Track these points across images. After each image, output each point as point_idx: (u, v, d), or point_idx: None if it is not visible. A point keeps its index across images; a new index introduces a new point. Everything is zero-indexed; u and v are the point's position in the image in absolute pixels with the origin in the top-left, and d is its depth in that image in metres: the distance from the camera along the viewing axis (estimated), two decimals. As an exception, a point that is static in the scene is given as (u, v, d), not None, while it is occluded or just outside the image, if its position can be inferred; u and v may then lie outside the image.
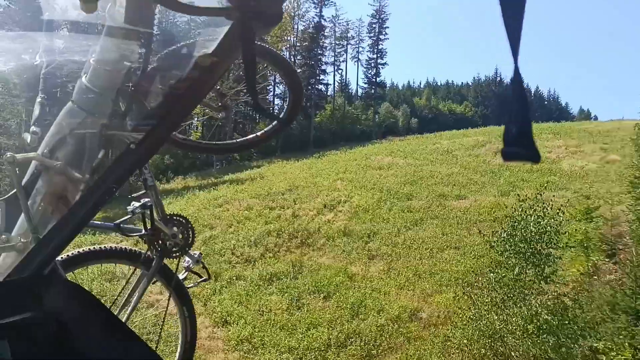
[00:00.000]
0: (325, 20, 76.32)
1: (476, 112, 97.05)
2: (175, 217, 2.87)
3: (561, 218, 13.98)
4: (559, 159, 39.81)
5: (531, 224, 13.15)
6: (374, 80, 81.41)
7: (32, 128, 2.07)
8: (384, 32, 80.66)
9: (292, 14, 69.21)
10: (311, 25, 73.54)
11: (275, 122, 2.84)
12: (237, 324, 18.07)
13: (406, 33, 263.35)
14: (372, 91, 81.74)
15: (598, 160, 37.78)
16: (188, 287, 3.18)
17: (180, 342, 3.13)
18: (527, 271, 12.90)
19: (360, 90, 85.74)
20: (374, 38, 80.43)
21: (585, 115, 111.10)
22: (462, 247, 23.92)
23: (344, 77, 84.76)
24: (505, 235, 13.77)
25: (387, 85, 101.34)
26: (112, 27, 1.75)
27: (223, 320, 18.70)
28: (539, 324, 11.24)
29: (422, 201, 31.59)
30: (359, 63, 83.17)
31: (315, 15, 74.26)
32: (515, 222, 13.66)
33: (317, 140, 66.76)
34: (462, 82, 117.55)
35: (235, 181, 41.99)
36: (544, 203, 13.99)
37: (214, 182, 44.63)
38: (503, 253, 13.68)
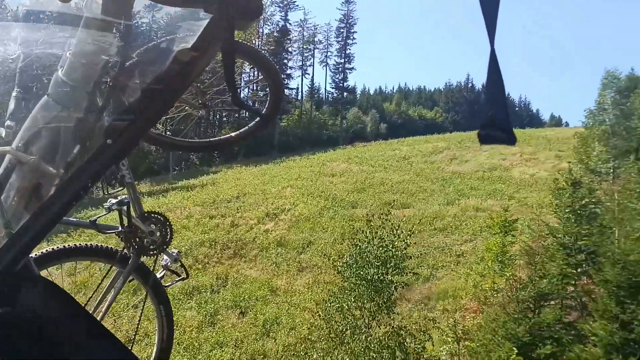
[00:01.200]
0: (291, 24, 75.77)
1: (447, 117, 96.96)
2: (153, 215, 2.77)
3: (408, 242, 13.08)
4: (511, 166, 39.47)
5: (375, 248, 12.27)
6: (341, 85, 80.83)
7: (7, 122, 1.98)
8: (351, 37, 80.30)
9: (257, 17, 68.33)
10: (277, 29, 72.79)
11: (252, 123, 2.74)
12: (139, 344, 17.02)
13: (379, 38, 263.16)
14: (341, 96, 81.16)
15: (550, 168, 37.41)
16: (165, 286, 3.05)
17: (156, 341, 3.00)
18: (372, 300, 12.02)
19: (329, 96, 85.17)
20: (342, 42, 79.97)
21: (556, 121, 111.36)
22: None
23: (312, 81, 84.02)
24: (348, 259, 12.83)
25: (358, 90, 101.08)
26: (90, 19, 1.73)
27: (127, 339, 17.61)
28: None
29: (366, 209, 30.76)
30: (327, 68, 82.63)
31: (281, 18, 73.61)
32: (357, 245, 12.71)
33: (283, 146, 65.86)
34: (434, 88, 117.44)
35: (186, 187, 40.98)
36: (392, 224, 13.18)
37: (166, 188, 43.47)
38: (348, 279, 12.73)
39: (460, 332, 13.45)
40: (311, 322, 14.33)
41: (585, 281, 15.79)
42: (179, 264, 3.08)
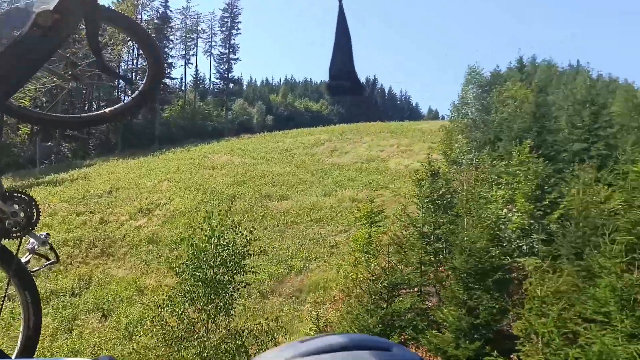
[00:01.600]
0: (172, 11, 72.66)
1: (332, 110, 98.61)
2: (16, 194, 2.50)
3: (249, 239, 12.89)
4: (388, 157, 40.98)
5: (212, 247, 12.05)
6: (226, 75, 79.33)
7: None
8: (236, 27, 78.81)
9: (135, 2, 64.88)
10: (157, 16, 69.58)
11: (128, 99, 2.52)
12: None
13: (266, 29, 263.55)
14: (226, 87, 79.67)
15: (423, 159, 39.25)
16: (32, 271, 2.70)
17: (21, 329, 2.67)
18: (211, 302, 11.81)
19: (213, 86, 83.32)
20: (226, 33, 78.37)
21: (433, 115, 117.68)
22: (268, 253, 23.09)
23: (196, 71, 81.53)
24: (187, 260, 12.52)
25: (245, 81, 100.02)
26: None
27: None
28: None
29: (244, 202, 30.39)
30: (212, 58, 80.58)
31: (161, 4, 70.41)
32: (194, 244, 12.42)
33: (165, 137, 63.22)
34: (320, 80, 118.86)
35: (54, 182, 38.00)
36: (233, 220, 13.07)
37: (30, 183, 39.96)
38: (186, 280, 12.44)
39: (322, 324, 13.57)
40: (147, 328, 13.78)
41: (442, 268, 16.64)
42: (48, 247, 2.76)
